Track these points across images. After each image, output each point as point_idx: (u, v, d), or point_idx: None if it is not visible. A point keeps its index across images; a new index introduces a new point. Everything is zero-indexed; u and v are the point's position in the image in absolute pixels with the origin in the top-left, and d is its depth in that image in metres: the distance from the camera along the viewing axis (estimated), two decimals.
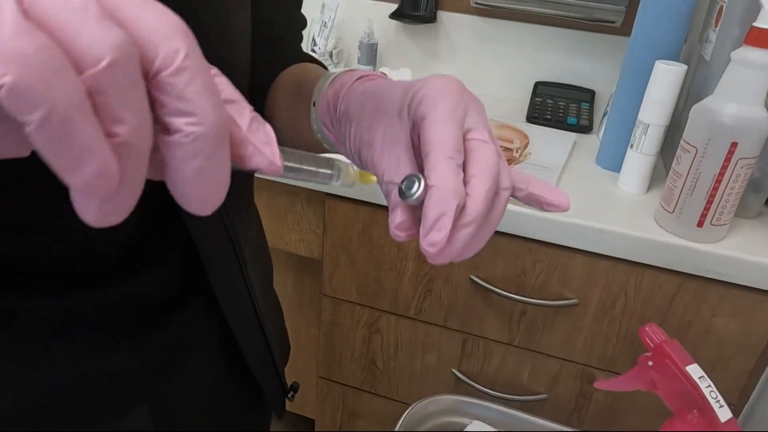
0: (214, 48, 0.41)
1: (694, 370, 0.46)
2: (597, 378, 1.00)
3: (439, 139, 0.30)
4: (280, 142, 0.58)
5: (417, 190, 0.29)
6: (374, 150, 0.33)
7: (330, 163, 0.31)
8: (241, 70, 0.46)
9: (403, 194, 0.29)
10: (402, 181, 0.30)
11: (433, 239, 0.28)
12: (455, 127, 0.31)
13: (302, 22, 0.59)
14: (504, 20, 1.32)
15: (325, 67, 0.56)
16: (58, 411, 0.38)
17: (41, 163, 0.17)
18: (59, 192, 0.20)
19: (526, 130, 1.16)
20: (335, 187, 0.63)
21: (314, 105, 0.42)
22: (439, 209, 0.28)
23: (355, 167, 0.33)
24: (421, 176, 0.29)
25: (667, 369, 0.47)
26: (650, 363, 0.48)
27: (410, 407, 0.60)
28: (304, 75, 0.50)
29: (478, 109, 0.33)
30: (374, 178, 0.33)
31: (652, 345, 0.48)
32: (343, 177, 0.32)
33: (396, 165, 0.32)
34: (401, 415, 0.59)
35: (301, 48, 0.59)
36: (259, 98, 0.54)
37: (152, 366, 0.43)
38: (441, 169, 0.29)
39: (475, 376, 1.07)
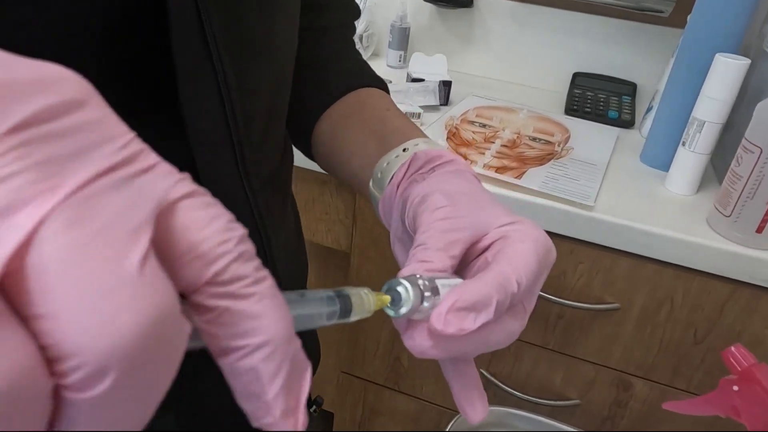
0: (258, 44, 0.38)
1: None
2: (633, 386, 0.96)
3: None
4: (324, 166, 0.53)
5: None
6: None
7: (335, 312, 0.24)
8: (284, 73, 0.44)
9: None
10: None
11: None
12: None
13: (356, 11, 0.56)
14: (544, 6, 1.26)
15: (386, 89, 0.53)
16: None
17: None
18: None
19: (565, 123, 1.11)
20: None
21: (373, 181, 0.41)
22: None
23: (368, 294, 0.26)
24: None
25: (756, 396, 0.42)
26: (735, 388, 0.44)
27: (458, 415, 0.56)
28: (381, 121, 0.47)
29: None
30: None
31: (738, 368, 0.44)
32: (357, 313, 0.25)
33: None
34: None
35: (354, 45, 0.56)
36: (309, 113, 0.51)
37: (181, 373, 0.40)
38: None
39: (505, 379, 1.03)
